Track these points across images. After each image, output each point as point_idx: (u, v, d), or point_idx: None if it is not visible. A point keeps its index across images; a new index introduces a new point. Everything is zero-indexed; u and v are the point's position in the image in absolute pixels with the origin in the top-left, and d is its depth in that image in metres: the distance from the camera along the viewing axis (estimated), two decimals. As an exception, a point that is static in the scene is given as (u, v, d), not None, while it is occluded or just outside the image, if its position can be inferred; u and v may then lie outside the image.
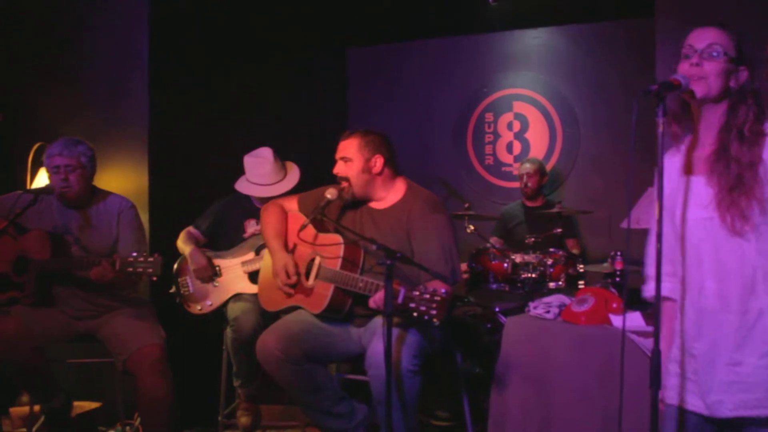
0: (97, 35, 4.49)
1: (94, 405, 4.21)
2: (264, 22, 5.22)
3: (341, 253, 3.12)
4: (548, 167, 5.50)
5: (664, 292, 2.17)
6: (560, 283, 4.28)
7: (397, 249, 2.80)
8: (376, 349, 2.90)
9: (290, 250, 3.33)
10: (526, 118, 5.82)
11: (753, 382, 1.98)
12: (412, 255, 3.03)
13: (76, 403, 4.05)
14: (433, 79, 6.10)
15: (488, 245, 4.61)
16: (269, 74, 5.34)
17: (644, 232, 4.02)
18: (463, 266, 4.58)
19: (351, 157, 3.20)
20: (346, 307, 3.16)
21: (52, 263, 3.37)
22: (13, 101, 4.58)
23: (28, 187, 4.36)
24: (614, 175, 5.41)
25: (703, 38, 2.08)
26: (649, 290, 2.18)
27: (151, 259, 3.19)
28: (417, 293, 2.60)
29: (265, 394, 4.01)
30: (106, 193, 3.63)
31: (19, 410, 4.14)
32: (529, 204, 5.28)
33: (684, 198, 2.12)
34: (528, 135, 5.82)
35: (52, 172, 3.43)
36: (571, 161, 5.68)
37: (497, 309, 4.32)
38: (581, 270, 4.31)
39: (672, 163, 2.19)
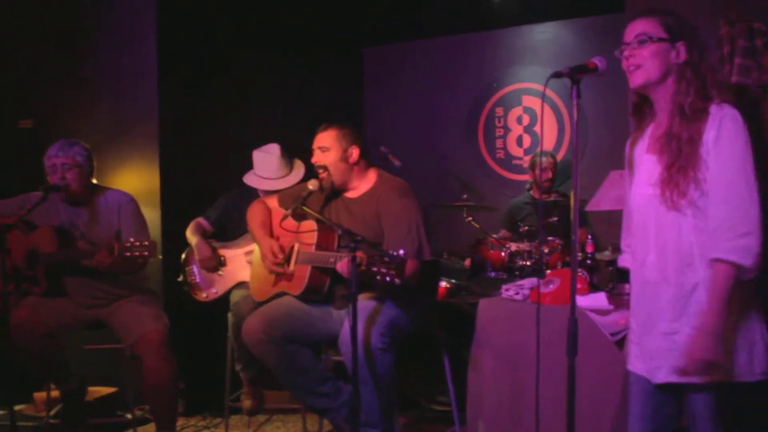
0: (108, 40, 4.75)
1: (110, 390, 4.48)
2: (277, 23, 5.44)
3: (316, 237, 3.33)
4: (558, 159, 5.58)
5: (627, 264, 2.35)
6: (558, 270, 4.37)
7: (368, 232, 3.09)
8: (346, 329, 3.08)
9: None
10: (535, 111, 5.92)
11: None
12: (383, 237, 3.22)
13: (93, 388, 4.34)
14: (445, 76, 6.25)
15: (491, 236, 4.73)
16: (282, 74, 5.53)
17: (608, 214, 4.10)
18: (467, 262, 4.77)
19: (329, 147, 3.39)
20: (325, 287, 3.36)
21: (59, 255, 3.64)
22: (39, 108, 4.89)
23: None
24: (621, 165, 5.44)
25: (631, 31, 2.20)
26: (621, 260, 2.39)
27: (146, 243, 3.44)
28: (377, 257, 2.77)
29: (270, 379, 4.20)
30: (105, 189, 3.88)
31: (42, 395, 4.42)
32: (538, 197, 5.36)
33: (638, 175, 2.25)
34: (537, 128, 5.91)
35: (51, 171, 3.69)
36: (579, 153, 5.73)
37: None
38: (579, 257, 4.40)
39: (637, 144, 2.31)
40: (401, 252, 2.76)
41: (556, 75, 2.14)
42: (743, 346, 2.07)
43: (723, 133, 2.05)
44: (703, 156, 2.07)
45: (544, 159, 5.27)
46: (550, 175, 5.28)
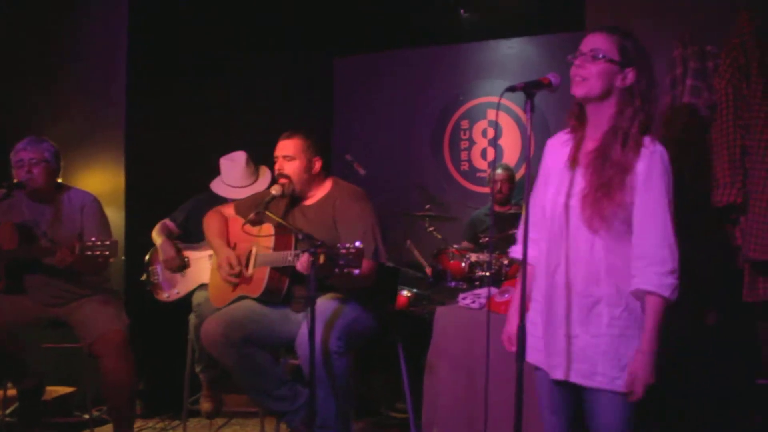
0: (77, 41, 4.76)
1: (68, 390, 4.46)
2: (249, 29, 5.48)
3: (273, 241, 3.38)
4: (521, 173, 5.68)
5: (529, 259, 2.35)
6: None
7: (325, 237, 3.11)
8: (303, 331, 3.13)
9: (232, 248, 3.59)
10: (500, 125, 6.02)
11: (587, 355, 2.20)
12: (339, 240, 3.26)
13: (51, 388, 4.31)
14: (413, 87, 6.35)
15: (452, 246, 4.81)
16: (252, 79, 5.56)
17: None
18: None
19: (294, 156, 3.44)
20: (284, 289, 3.40)
21: (19, 252, 3.63)
22: (4, 106, 4.86)
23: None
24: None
25: (588, 43, 2.25)
26: (514, 251, 2.49)
27: (107, 242, 3.44)
28: (335, 251, 2.83)
29: (229, 382, 4.21)
30: (69, 189, 3.88)
31: (-1, 394, 4.40)
32: (498, 209, 5.45)
33: (561, 184, 2.28)
34: (501, 141, 6.02)
35: (17, 166, 3.68)
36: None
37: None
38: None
39: (559, 149, 2.36)
40: (357, 243, 2.83)
41: (511, 89, 2.20)
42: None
43: (655, 170, 2.14)
44: (629, 183, 2.15)
45: (498, 172, 5.37)
46: (503, 188, 5.37)
